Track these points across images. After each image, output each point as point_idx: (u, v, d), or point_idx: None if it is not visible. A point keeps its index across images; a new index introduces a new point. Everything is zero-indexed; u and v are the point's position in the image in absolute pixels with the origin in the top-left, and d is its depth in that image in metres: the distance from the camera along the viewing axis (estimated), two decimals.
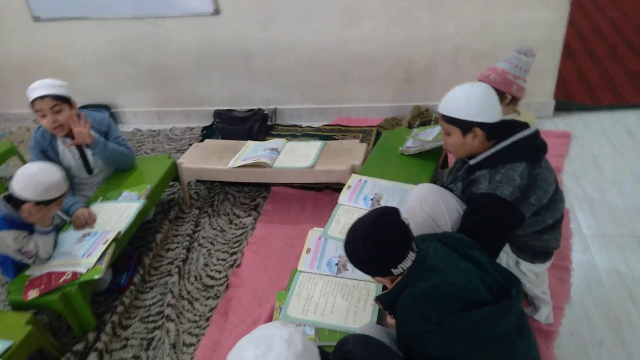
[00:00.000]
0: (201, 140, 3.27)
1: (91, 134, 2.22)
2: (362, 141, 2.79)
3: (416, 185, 1.72)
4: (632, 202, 2.24)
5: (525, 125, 1.57)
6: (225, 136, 3.16)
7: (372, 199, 2.00)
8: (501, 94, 1.93)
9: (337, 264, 1.72)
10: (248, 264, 2.20)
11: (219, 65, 3.29)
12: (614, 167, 2.47)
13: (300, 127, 3.33)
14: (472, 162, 1.58)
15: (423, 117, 3.01)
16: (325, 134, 3.17)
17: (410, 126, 2.98)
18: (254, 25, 3.06)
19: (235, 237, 2.37)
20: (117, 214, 2.14)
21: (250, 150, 2.52)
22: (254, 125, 3.18)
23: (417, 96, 3.12)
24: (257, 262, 2.20)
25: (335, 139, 3.06)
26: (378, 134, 3.07)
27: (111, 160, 2.35)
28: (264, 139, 3.18)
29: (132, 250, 2.34)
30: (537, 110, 2.96)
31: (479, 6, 2.71)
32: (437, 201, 1.61)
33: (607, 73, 3.31)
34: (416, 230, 1.61)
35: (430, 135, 2.27)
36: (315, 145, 2.51)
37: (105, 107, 3.66)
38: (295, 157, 2.42)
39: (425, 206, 1.63)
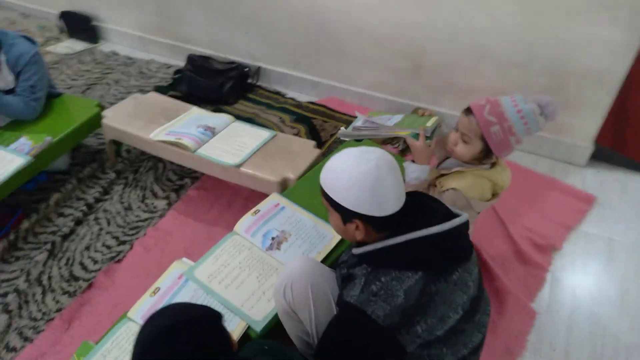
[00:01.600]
0: (170, 85, 2.85)
1: None
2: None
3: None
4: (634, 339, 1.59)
5: (443, 215, 1.05)
6: (192, 89, 2.72)
7: (274, 238, 1.54)
8: (487, 150, 1.37)
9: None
10: (131, 262, 1.84)
11: (204, 2, 2.77)
12: (635, 266, 1.82)
13: (283, 97, 2.81)
14: (355, 250, 1.09)
15: None
16: (306, 113, 2.64)
17: None
18: None
19: (137, 222, 1.99)
20: None
21: (183, 123, 2.07)
22: (226, 82, 2.69)
23: (423, 96, 2.50)
24: (142, 263, 1.83)
25: (313, 123, 2.56)
26: None
27: None
28: (235, 102, 2.73)
29: (25, 205, 2.04)
30: (567, 153, 2.29)
31: (521, 3, 2.00)
32: (306, 290, 1.14)
33: None
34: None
35: (391, 120, 1.61)
36: (260, 136, 2.02)
37: (87, 18, 3.27)
38: (227, 147, 1.95)
39: (290, 293, 1.16)
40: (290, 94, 2.84)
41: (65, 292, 1.71)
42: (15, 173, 1.79)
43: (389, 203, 1.01)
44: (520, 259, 1.82)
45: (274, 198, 1.69)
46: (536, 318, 1.63)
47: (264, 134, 2.06)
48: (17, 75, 2.02)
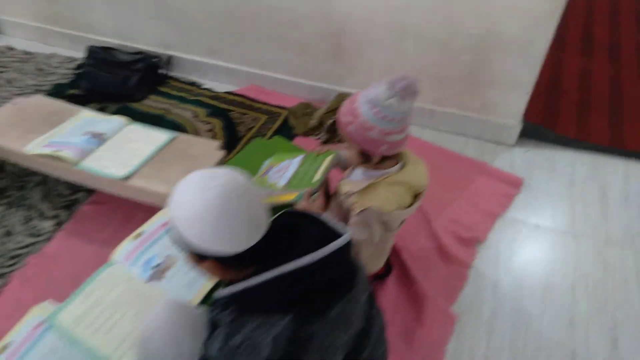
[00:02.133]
0: (71, 82, 2.56)
1: None
2: (262, 127, 2.10)
3: None
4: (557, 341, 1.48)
5: (317, 240, 0.88)
6: (94, 86, 2.44)
7: (155, 267, 1.35)
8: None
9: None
10: (7, 298, 1.60)
11: None
12: (559, 257, 1.72)
13: (198, 87, 2.56)
14: (218, 293, 0.91)
15: None
16: (222, 105, 2.41)
17: (321, 124, 2.21)
18: None
19: (17, 249, 1.75)
20: None
21: (68, 131, 1.81)
22: (132, 75, 2.43)
23: (347, 80, 2.31)
24: (19, 299, 1.58)
25: (230, 117, 2.34)
26: (285, 122, 2.32)
27: None
28: (143, 97, 2.48)
29: None
30: (495, 133, 2.16)
31: None
32: (165, 347, 0.97)
33: (610, 99, 2.35)
34: None
35: (284, 174, 1.49)
36: (156, 140, 1.80)
37: None
38: (117, 155, 1.72)
39: (145, 351, 0.99)
40: (207, 84, 2.59)
41: None
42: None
43: (241, 237, 0.83)
44: (443, 256, 1.69)
45: (162, 216, 1.50)
46: (456, 322, 1.51)
47: (161, 137, 1.83)
48: None
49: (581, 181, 1.98)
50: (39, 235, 1.79)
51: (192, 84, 2.58)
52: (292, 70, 2.40)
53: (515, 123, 2.10)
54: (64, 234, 1.80)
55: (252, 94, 2.48)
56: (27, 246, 1.76)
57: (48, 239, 1.78)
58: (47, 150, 1.70)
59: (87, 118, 1.92)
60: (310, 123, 2.22)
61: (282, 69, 2.42)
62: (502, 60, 1.93)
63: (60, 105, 2.01)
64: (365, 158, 1.24)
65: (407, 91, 1.12)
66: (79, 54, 2.76)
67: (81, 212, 1.88)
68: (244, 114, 2.37)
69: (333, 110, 2.22)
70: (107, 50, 2.53)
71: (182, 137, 1.85)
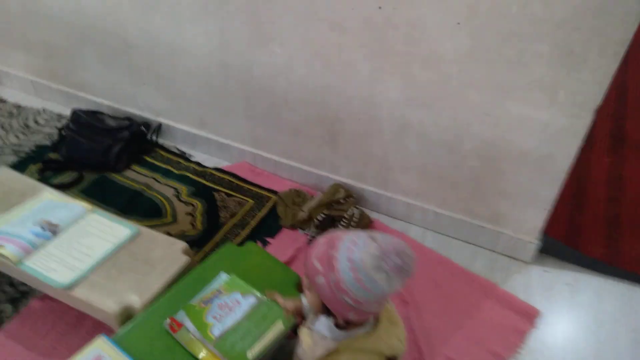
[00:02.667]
0: (54, 144, 2.40)
1: None
2: (247, 213, 1.89)
3: None
4: None
5: None
6: (72, 153, 2.27)
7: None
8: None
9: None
10: None
11: (96, 46, 2.33)
12: None
13: (187, 160, 2.37)
14: None
15: (335, 209, 2.00)
16: (209, 184, 2.21)
17: (310, 218, 1.98)
18: (132, 6, 2.06)
19: None
20: None
21: (20, 218, 1.62)
22: (114, 144, 2.25)
23: (342, 168, 2.09)
24: None
25: (215, 198, 2.13)
26: (273, 210, 2.10)
27: None
28: (124, 168, 2.29)
29: None
30: (510, 246, 1.88)
31: (443, 73, 1.60)
32: None
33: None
34: None
35: (225, 318, 1.25)
36: (115, 237, 1.58)
37: None
38: (67, 254, 1.50)
39: None
40: (196, 156, 2.40)
41: None
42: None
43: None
44: None
45: (97, 346, 1.25)
46: None
47: (121, 232, 1.61)
48: None
49: (610, 319, 1.66)
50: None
51: (181, 154, 2.40)
52: (285, 152, 2.19)
53: (532, 239, 1.82)
54: (1, 335, 1.58)
55: (242, 173, 2.27)
56: None
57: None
58: None
59: (47, 201, 1.72)
60: (300, 215, 1.99)
61: (275, 150, 2.21)
62: (516, 172, 1.68)
63: (23, 182, 1.82)
64: (328, 312, 1.00)
65: (400, 272, 0.88)
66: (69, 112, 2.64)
67: (29, 309, 1.66)
68: (230, 195, 2.15)
69: (325, 204, 1.98)
70: (93, 114, 2.37)
71: (145, 233, 1.63)
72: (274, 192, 2.17)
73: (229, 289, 1.36)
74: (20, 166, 2.26)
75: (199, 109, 2.28)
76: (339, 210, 1.97)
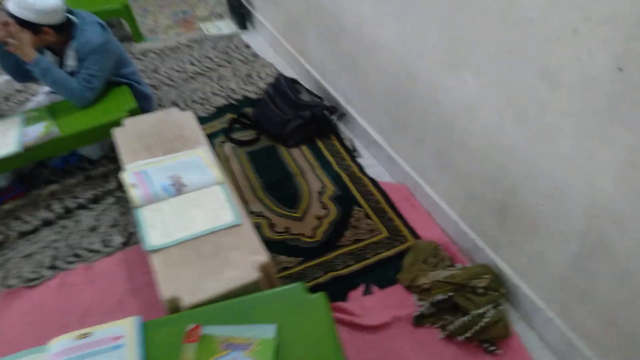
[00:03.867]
0: (254, 102, 2.53)
1: (31, 51, 1.86)
2: (373, 244, 1.75)
3: None
4: None
5: None
6: (260, 116, 2.35)
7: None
8: None
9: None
10: (32, 295, 1.70)
11: (317, 21, 2.27)
12: None
13: (353, 158, 2.16)
14: None
15: (466, 296, 1.50)
16: (356, 194, 1.97)
17: (429, 290, 1.55)
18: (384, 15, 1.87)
19: (86, 250, 1.83)
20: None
21: (163, 166, 1.73)
22: (294, 119, 2.20)
23: (503, 252, 1.53)
24: (40, 303, 1.67)
25: (352, 215, 1.91)
26: (401, 255, 1.74)
27: (55, 89, 2.00)
28: (294, 145, 2.27)
29: (44, 181, 2.11)
30: None
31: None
32: None
33: None
34: None
35: None
36: (219, 220, 1.54)
37: (239, 2, 3.15)
38: (172, 219, 1.53)
39: None
40: (365, 158, 2.17)
41: None
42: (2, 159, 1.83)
43: None
44: None
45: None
46: None
47: (226, 217, 1.58)
48: (81, 61, 2.02)
49: None
50: (106, 247, 1.84)
51: (350, 150, 2.21)
52: (448, 197, 1.75)
53: None
54: (121, 256, 1.80)
55: (396, 196, 1.95)
56: (92, 251, 1.83)
57: (108, 254, 1.82)
58: (129, 179, 1.68)
59: (195, 158, 1.80)
60: (421, 280, 1.59)
61: (439, 189, 1.79)
62: None
63: (192, 130, 1.96)
64: None
65: None
66: (291, 72, 2.73)
67: (129, 251, 1.85)
68: (369, 217, 1.88)
69: (457, 283, 1.52)
70: (293, 83, 2.37)
71: (244, 228, 1.55)
72: (415, 235, 1.80)
73: (257, 353, 1.16)
74: (221, 111, 2.48)
75: (382, 112, 2.01)
76: (469, 299, 1.49)
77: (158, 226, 1.55)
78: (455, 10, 1.36)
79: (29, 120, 2.00)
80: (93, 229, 1.91)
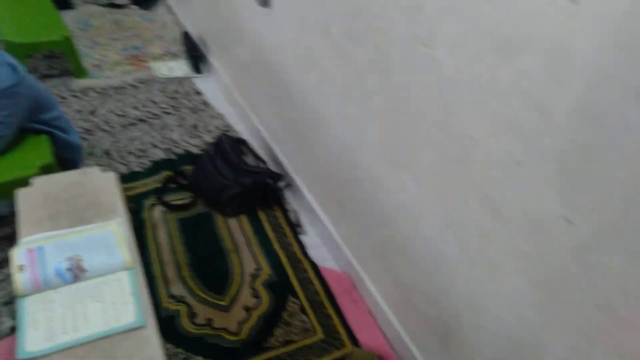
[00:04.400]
0: (191, 159, 2.32)
1: None
2: (305, 348, 1.44)
3: None
4: None
5: None
6: (196, 178, 2.12)
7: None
8: None
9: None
10: None
11: (268, 77, 2.11)
12: None
13: (295, 235, 1.96)
14: None
15: None
16: (293, 281, 1.77)
17: None
18: (295, 57, 1.72)
19: None
20: None
21: (67, 242, 1.48)
22: (232, 186, 1.99)
23: None
24: None
25: (286, 305, 1.70)
26: None
27: None
28: (232, 215, 2.05)
29: None
30: None
31: None
32: None
33: None
34: None
35: None
36: (114, 320, 1.29)
37: (195, 45, 2.98)
38: (60, 317, 1.27)
39: None
40: (309, 236, 1.98)
41: None
42: None
43: None
44: None
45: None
46: None
47: (126, 318, 1.32)
48: None
49: None
50: None
51: (294, 225, 2.02)
52: (391, 302, 1.57)
53: None
54: (4, 346, 1.52)
55: (337, 287, 1.76)
56: None
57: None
58: (18, 259, 1.42)
59: (106, 233, 1.55)
60: None
61: (381, 289, 1.61)
62: None
63: (110, 196, 1.72)
64: None
65: None
66: (240, 128, 2.54)
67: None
68: (305, 312, 1.67)
69: None
70: (238, 144, 2.18)
71: (144, 333, 1.31)
72: (353, 340, 1.60)
73: None
74: (157, 166, 2.25)
75: (327, 190, 1.84)
76: None
77: (40, 325, 1.29)
78: (396, 105, 1.21)
79: None
80: None
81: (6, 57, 1.82)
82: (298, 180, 2.07)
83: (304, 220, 2.05)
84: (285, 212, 2.07)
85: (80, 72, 2.87)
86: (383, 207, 1.43)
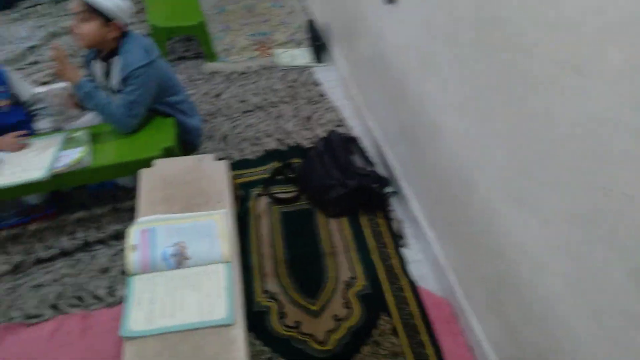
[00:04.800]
0: (306, 149, 2.31)
1: (76, 75, 1.80)
2: None
3: None
4: None
5: None
6: (302, 176, 2.11)
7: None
8: None
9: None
10: (29, 337, 1.61)
11: (383, 79, 1.99)
12: None
13: (396, 247, 1.86)
14: None
15: None
16: (388, 296, 1.68)
17: None
18: (416, 57, 1.57)
19: (89, 294, 1.73)
20: (31, 162, 1.83)
21: (176, 228, 1.56)
22: (338, 186, 1.95)
23: None
24: (34, 346, 1.58)
25: (377, 323, 1.62)
26: None
27: (97, 113, 1.93)
28: (336, 216, 2.01)
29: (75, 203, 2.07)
30: None
31: None
32: None
33: None
34: None
35: None
36: (207, 314, 1.33)
37: (318, 35, 2.93)
38: (161, 301, 1.35)
39: None
40: (412, 250, 1.86)
41: None
42: (22, 184, 1.77)
43: None
44: None
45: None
46: None
47: (218, 313, 1.34)
48: (123, 81, 1.94)
49: None
50: (110, 296, 1.73)
51: (396, 236, 1.91)
52: (498, 348, 1.39)
53: None
54: (117, 312, 1.67)
55: (435, 313, 1.62)
56: (95, 298, 1.72)
57: (108, 305, 1.70)
58: (133, 238, 1.53)
59: (210, 222, 1.61)
60: None
61: (486, 327, 1.44)
62: None
63: (219, 186, 1.77)
64: None
65: None
66: (357, 123, 2.47)
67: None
68: (395, 333, 1.57)
69: None
70: (348, 142, 2.11)
71: (232, 332, 1.33)
72: None
73: None
74: (268, 156, 2.29)
75: (436, 205, 1.69)
76: None
77: (144, 306, 1.38)
78: (528, 135, 1.02)
79: (69, 142, 1.94)
80: (104, 271, 1.81)
81: (142, 40, 1.97)
82: (406, 188, 1.95)
83: (408, 232, 1.93)
84: (388, 220, 1.97)
85: (211, 56, 3.03)
86: (499, 240, 1.26)
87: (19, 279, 1.77)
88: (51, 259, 1.85)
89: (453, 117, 1.40)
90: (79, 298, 1.71)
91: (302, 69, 2.93)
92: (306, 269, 1.79)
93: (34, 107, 2.01)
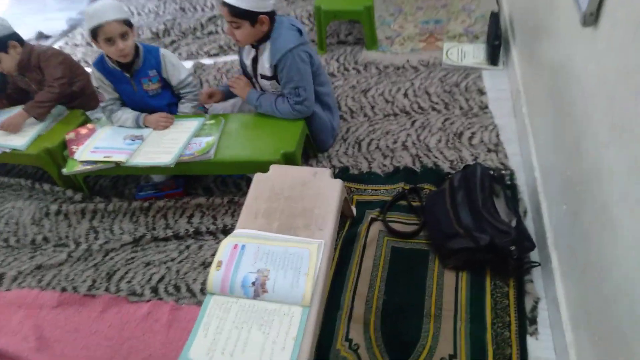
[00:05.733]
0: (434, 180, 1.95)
1: (244, 92, 2.04)
2: None
3: None
4: None
5: None
6: (428, 205, 1.76)
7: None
8: None
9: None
10: (126, 317, 1.72)
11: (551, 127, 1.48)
12: None
13: (522, 335, 1.43)
14: None
15: None
16: None
17: None
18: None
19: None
20: (166, 146, 1.93)
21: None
22: (456, 237, 1.57)
23: None
24: (131, 330, 1.68)
25: None
26: None
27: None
28: (457, 268, 1.68)
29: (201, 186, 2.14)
30: None
31: None
32: None
33: None
34: None
35: None
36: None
37: (498, 34, 2.41)
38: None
39: None
40: (539, 339, 1.42)
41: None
42: (150, 166, 1.88)
43: None
44: None
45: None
46: None
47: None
48: (274, 68, 1.88)
49: None
50: (203, 293, 1.74)
51: (526, 319, 1.48)
52: None
53: None
54: None
55: None
56: (189, 291, 1.75)
57: (197, 303, 1.71)
58: (222, 254, 1.46)
59: (302, 252, 1.45)
60: None
61: None
62: None
63: (327, 208, 1.58)
64: None
65: None
66: (513, 149, 2.01)
67: None
68: None
69: None
70: (491, 180, 1.68)
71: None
72: None
73: None
74: (398, 174, 2.00)
75: (589, 302, 1.22)
76: None
77: (210, 333, 1.32)
78: None
79: (202, 129, 1.98)
80: (205, 265, 1.83)
81: (294, 22, 1.90)
82: (554, 261, 1.48)
83: (541, 316, 1.48)
84: (520, 292, 1.55)
85: (371, 44, 2.80)
86: None
87: (136, 253, 1.91)
88: (165, 239, 1.95)
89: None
90: (176, 287, 1.77)
91: (468, 71, 2.49)
92: (401, 326, 1.52)
93: (181, 91, 2.10)
